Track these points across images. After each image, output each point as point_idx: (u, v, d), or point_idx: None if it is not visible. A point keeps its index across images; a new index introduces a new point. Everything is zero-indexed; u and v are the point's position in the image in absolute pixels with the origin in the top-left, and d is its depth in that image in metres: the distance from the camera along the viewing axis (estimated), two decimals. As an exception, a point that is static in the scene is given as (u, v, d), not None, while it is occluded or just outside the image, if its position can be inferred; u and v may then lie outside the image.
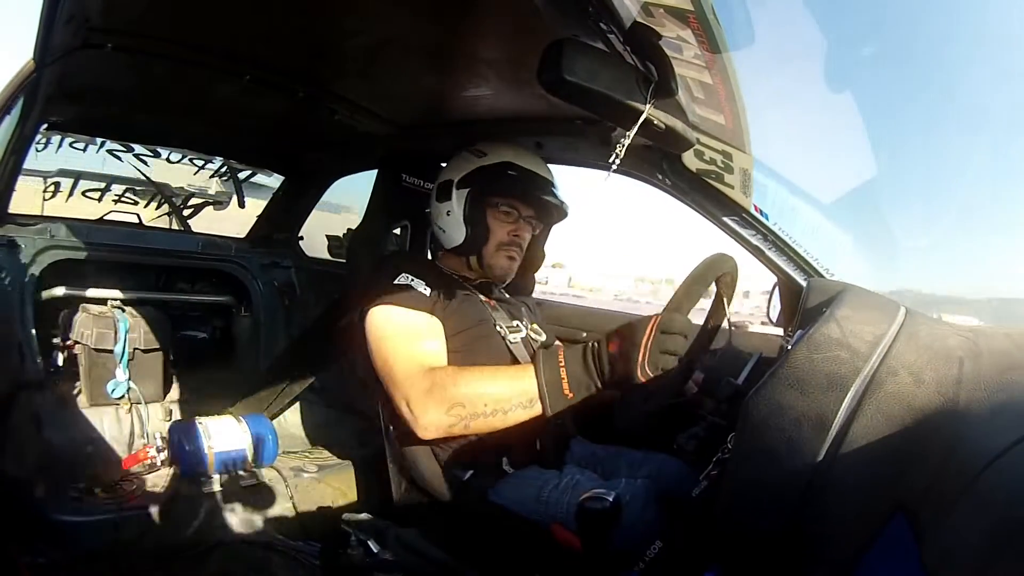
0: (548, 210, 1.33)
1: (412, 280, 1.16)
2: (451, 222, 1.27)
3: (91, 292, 1.89)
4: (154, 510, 1.31)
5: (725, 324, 1.09)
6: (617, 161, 1.01)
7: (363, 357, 1.18)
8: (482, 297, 1.28)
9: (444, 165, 1.36)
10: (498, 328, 1.24)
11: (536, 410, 0.97)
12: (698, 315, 1.13)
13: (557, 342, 1.39)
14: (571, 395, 0.95)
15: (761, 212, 1.24)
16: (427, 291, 1.16)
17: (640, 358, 0.86)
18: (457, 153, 1.33)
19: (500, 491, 1.11)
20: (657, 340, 0.86)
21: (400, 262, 1.25)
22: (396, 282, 1.16)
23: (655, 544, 0.87)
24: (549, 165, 1.34)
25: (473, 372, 1.04)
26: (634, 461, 1.20)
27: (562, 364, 0.95)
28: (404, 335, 1.11)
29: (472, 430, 1.01)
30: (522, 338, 1.27)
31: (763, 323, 1.31)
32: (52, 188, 2.26)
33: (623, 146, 0.99)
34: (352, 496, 1.62)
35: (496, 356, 1.20)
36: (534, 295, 1.54)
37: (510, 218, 1.28)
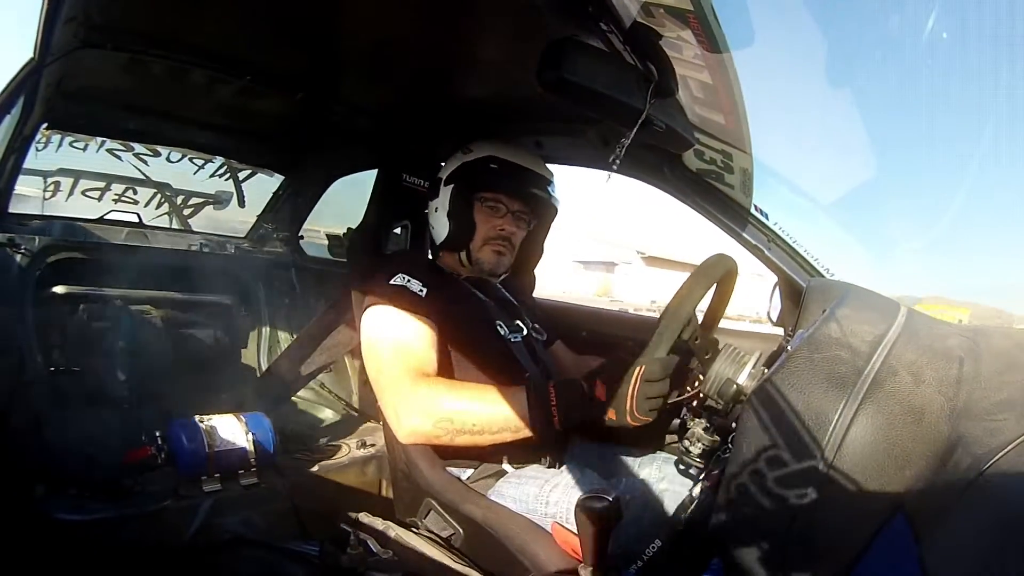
0: (537, 204, 1.31)
1: (408, 281, 1.16)
2: (439, 218, 1.29)
3: (91, 291, 1.88)
4: (154, 509, 1.31)
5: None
6: (618, 161, 1.01)
7: (362, 356, 1.18)
8: (482, 296, 1.28)
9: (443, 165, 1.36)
10: (499, 327, 1.23)
11: (522, 435, 1.00)
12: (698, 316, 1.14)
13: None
14: (560, 428, 0.99)
15: (761, 212, 1.24)
16: (423, 292, 1.16)
17: (628, 407, 0.90)
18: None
19: (500, 490, 1.11)
20: (642, 390, 0.89)
21: (399, 262, 1.25)
22: (392, 283, 1.16)
23: (654, 543, 0.87)
24: (549, 165, 1.34)
25: (464, 389, 1.04)
26: (635, 460, 1.20)
27: (553, 403, 0.97)
28: (397, 339, 1.11)
29: (455, 444, 1.03)
30: (523, 337, 1.27)
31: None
32: (52, 187, 2.25)
33: (623, 146, 0.99)
34: (353, 495, 1.61)
35: (496, 356, 1.19)
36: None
37: (496, 212, 1.27)
